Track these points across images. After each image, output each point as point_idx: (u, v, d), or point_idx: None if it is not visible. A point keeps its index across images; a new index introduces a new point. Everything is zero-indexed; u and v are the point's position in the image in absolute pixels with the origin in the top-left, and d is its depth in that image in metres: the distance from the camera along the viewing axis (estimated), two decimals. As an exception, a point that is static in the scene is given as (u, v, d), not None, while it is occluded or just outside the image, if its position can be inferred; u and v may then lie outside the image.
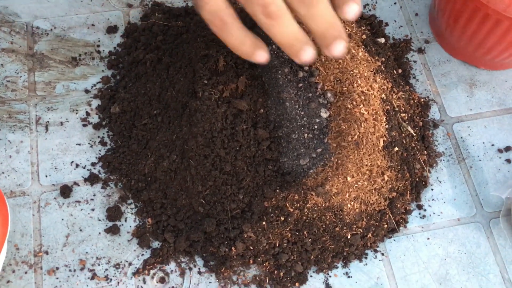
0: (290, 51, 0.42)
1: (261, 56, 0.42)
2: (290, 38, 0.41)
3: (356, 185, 0.48)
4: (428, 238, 0.52)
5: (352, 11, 0.41)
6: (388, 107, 0.51)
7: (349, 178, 0.48)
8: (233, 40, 0.41)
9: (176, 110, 0.50)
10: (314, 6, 0.40)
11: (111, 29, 0.59)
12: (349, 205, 0.49)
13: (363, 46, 0.54)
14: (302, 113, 0.48)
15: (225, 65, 0.49)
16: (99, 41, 0.59)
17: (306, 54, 0.41)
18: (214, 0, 0.40)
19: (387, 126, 0.50)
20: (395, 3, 0.64)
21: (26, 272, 0.48)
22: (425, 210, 0.53)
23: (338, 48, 0.41)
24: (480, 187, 0.54)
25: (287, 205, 0.48)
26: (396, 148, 0.51)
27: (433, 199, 0.54)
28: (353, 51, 0.51)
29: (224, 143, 0.47)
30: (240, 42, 0.41)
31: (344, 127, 0.48)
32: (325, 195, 0.48)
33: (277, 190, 0.48)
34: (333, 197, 0.48)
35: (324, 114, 0.49)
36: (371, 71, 0.51)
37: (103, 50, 0.58)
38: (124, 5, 0.61)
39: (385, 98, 0.51)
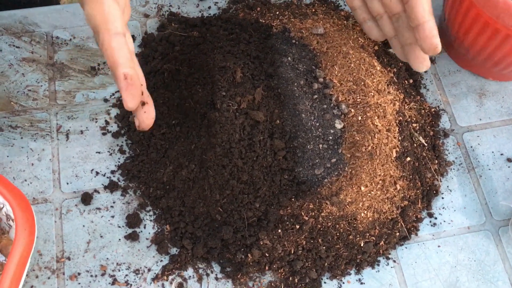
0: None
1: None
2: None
3: (369, 194, 0.50)
4: (438, 246, 0.53)
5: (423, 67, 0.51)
6: (401, 118, 0.53)
7: (362, 188, 0.49)
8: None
9: (194, 121, 0.51)
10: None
11: (129, 39, 0.61)
12: (362, 214, 0.50)
13: (375, 57, 0.55)
14: (317, 124, 0.50)
15: (242, 76, 0.51)
16: (117, 50, 0.60)
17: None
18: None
19: (399, 136, 0.52)
20: (405, 14, 0.65)
21: (49, 278, 0.49)
22: (435, 218, 0.54)
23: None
24: (490, 196, 0.56)
25: (302, 213, 0.49)
26: (408, 158, 0.52)
27: (443, 208, 0.55)
28: (367, 62, 0.53)
29: (241, 154, 0.48)
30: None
31: (358, 138, 0.49)
32: (339, 204, 0.49)
33: (293, 199, 0.49)
34: (347, 206, 0.49)
35: (339, 125, 0.50)
36: (385, 82, 0.52)
37: (121, 60, 0.59)
38: (141, 15, 0.62)
39: (398, 109, 0.52)
